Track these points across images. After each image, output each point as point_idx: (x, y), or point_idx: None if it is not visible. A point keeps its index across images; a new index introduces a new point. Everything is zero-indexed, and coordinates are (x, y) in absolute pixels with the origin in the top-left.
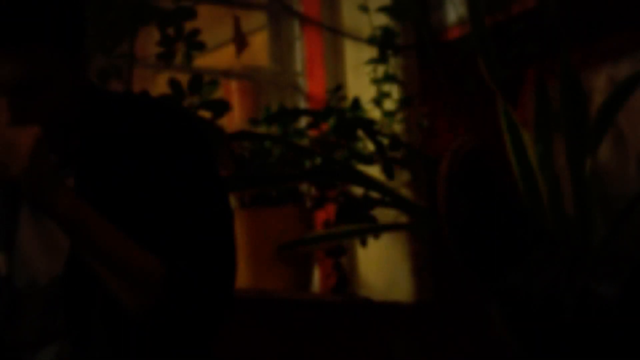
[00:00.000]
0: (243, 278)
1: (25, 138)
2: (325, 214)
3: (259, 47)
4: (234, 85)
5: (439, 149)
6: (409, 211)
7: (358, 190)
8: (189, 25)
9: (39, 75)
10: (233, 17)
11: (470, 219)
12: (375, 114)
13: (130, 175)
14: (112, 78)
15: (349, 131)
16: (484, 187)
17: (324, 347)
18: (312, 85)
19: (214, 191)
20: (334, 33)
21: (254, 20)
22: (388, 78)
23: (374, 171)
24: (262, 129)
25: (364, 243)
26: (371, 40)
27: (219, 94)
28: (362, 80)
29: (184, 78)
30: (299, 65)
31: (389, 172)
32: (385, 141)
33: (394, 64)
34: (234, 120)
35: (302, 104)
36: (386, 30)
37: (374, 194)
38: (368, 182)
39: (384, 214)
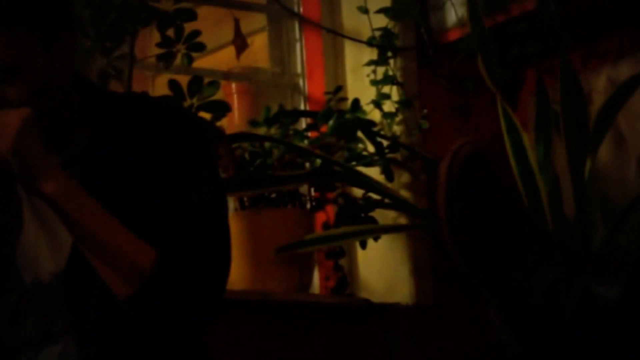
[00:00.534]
0: (243, 279)
1: (12, 118)
2: (324, 216)
3: (259, 49)
4: (233, 86)
5: (439, 151)
6: (408, 213)
7: (358, 192)
8: (188, 27)
9: (11, 62)
10: (233, 18)
11: (470, 220)
12: (375, 115)
13: (131, 174)
14: (112, 79)
15: (348, 133)
16: (484, 188)
17: (323, 348)
18: (312, 86)
19: (210, 186)
20: (334, 35)
21: (254, 22)
22: (388, 79)
23: (373, 173)
24: (261, 131)
25: (363, 245)
26: (371, 42)
27: (218, 95)
28: (361, 81)
29: (184, 79)
30: (298, 67)
31: (388, 173)
32: (385, 143)
33: (393, 66)
34: (233, 122)
35: (302, 106)
36: (386, 32)
37: (374, 196)
38: (368, 183)
39: (384, 216)
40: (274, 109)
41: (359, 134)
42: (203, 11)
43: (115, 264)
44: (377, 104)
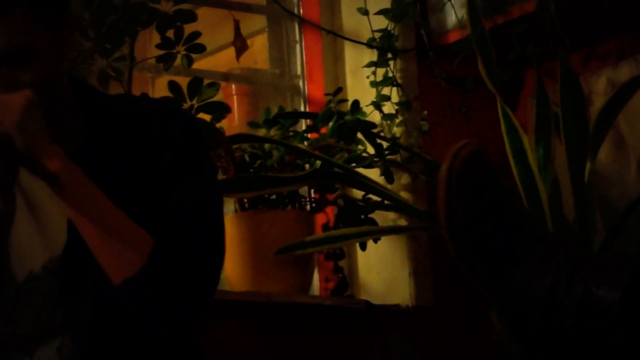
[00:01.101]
0: (242, 281)
1: (17, 98)
2: (324, 217)
3: (259, 50)
4: (233, 88)
5: (439, 152)
6: (408, 214)
7: (358, 194)
8: (188, 28)
9: (20, 45)
10: (233, 20)
11: (470, 222)
12: (374, 117)
13: (125, 170)
14: (112, 81)
15: (348, 134)
16: (484, 190)
17: (323, 350)
18: (312, 88)
19: (204, 179)
20: (334, 36)
21: (254, 23)
22: (388, 81)
23: (373, 174)
24: (261, 132)
25: (363, 246)
26: (371, 43)
27: (218, 96)
28: (361, 83)
29: (183, 81)
30: (298, 68)
31: (388, 175)
32: (384, 144)
33: (393, 67)
34: (233, 123)
35: (302, 107)
36: (386, 33)
37: (374, 197)
38: (367, 185)
39: (384, 217)
40: (274, 110)
41: (359, 135)
42: (203, 12)
43: (113, 247)
44: (377, 105)
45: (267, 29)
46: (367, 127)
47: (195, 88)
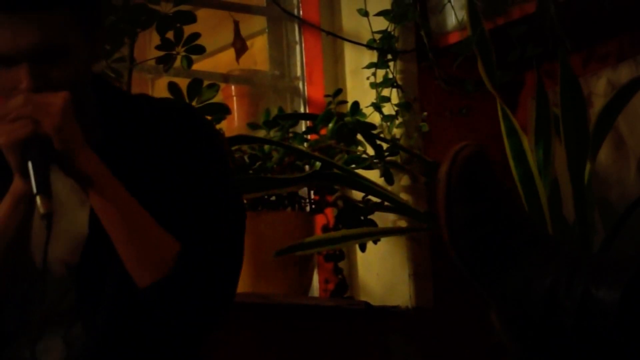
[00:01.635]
0: (242, 282)
1: (56, 98)
2: (324, 218)
3: (259, 51)
4: (233, 89)
5: (439, 154)
6: (408, 215)
7: (357, 195)
8: (188, 30)
9: (57, 44)
10: (232, 21)
11: (470, 223)
12: (374, 118)
13: (144, 171)
14: (112, 82)
15: (348, 135)
16: (484, 191)
17: (323, 351)
18: (312, 89)
19: (224, 180)
20: (334, 37)
21: (254, 25)
22: (387, 82)
23: (373, 175)
24: (261, 133)
25: (363, 248)
26: (371, 45)
27: (218, 98)
28: (361, 84)
29: (183, 82)
30: (298, 70)
31: (388, 176)
32: (384, 145)
33: (393, 68)
34: (233, 124)
35: (302, 108)
36: (386, 35)
37: (374, 199)
38: (367, 186)
39: (383, 219)
40: (274, 111)
41: (359, 136)
42: (202, 14)
43: (140, 250)
44: (377, 106)
45: (267, 30)
46: (367, 129)
47: (195, 89)
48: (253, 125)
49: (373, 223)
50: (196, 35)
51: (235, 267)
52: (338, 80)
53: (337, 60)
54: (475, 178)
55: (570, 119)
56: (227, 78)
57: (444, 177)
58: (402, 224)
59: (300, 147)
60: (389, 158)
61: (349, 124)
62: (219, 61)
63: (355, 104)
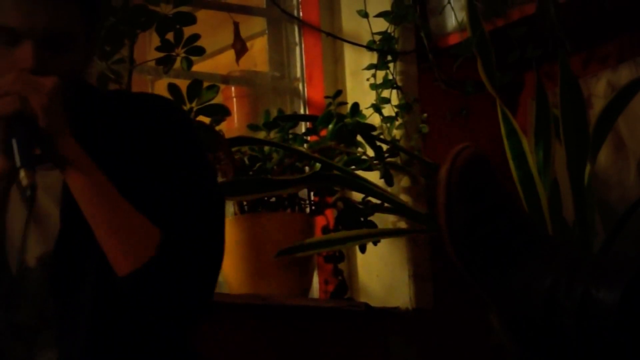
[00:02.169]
0: (242, 283)
1: (46, 80)
2: (324, 220)
3: (259, 53)
4: (233, 90)
5: (439, 155)
6: (408, 217)
7: (357, 196)
8: (188, 31)
9: (64, 32)
10: (232, 22)
11: (470, 224)
12: (374, 119)
13: (125, 160)
14: (112, 83)
15: (348, 137)
16: (484, 192)
17: (323, 353)
18: (312, 90)
19: (203, 169)
20: (334, 38)
21: (254, 26)
22: (387, 83)
23: (373, 177)
24: (261, 135)
25: (363, 249)
26: (371, 46)
27: (218, 99)
28: (361, 85)
29: (183, 83)
30: (298, 71)
31: (388, 177)
32: (384, 147)
33: (393, 70)
34: (233, 126)
35: (302, 110)
36: (386, 36)
37: (373, 200)
38: (367, 187)
39: (383, 220)
40: (274, 113)
41: (359, 138)
42: (202, 15)
43: (121, 237)
44: (377, 108)
45: (266, 32)
46: (367, 130)
47: (194, 90)
48: (253, 127)
49: (373, 224)
50: (196, 37)
51: (216, 255)
52: (338, 81)
53: (337, 62)
54: (475, 179)
55: (570, 120)
56: (227, 79)
57: (444, 179)
58: (402, 225)
59: (300, 148)
60: (389, 159)
61: (348, 125)
62: (218, 62)
63: (355, 105)
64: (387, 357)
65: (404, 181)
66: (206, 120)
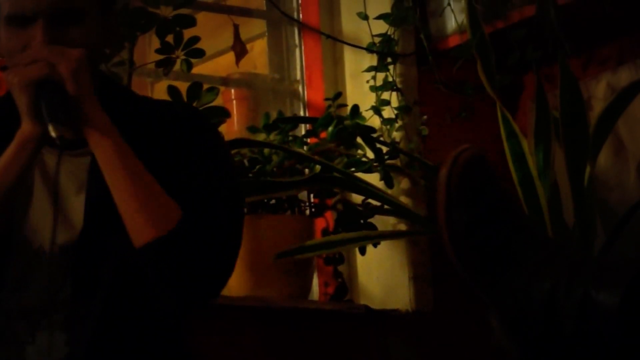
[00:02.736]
0: (242, 285)
1: (73, 50)
2: (324, 222)
3: (258, 55)
4: (233, 92)
5: (439, 157)
6: (408, 219)
7: (357, 198)
8: (188, 33)
9: (73, 7)
10: (232, 24)
11: (470, 226)
12: (374, 121)
13: (149, 155)
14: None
15: (348, 139)
16: (484, 195)
17: (322, 355)
18: (311, 92)
19: (228, 167)
20: (334, 41)
21: (253, 28)
22: (387, 86)
23: (373, 179)
24: (261, 137)
25: (363, 251)
26: (370, 48)
27: (217, 101)
28: (361, 87)
29: (183, 86)
30: (298, 73)
31: (388, 179)
32: (384, 149)
33: (393, 72)
34: (232, 128)
35: (301, 112)
36: (386, 38)
37: (373, 202)
38: (367, 189)
39: (383, 222)
40: (273, 115)
41: (359, 140)
42: (202, 17)
43: (143, 203)
44: (377, 110)
45: (266, 34)
46: (367, 132)
47: (194, 93)
48: (253, 129)
49: (373, 226)
50: (196, 39)
51: (233, 242)
52: (338, 83)
53: (336, 64)
54: (475, 181)
55: (570, 123)
56: (226, 81)
57: (444, 181)
58: (402, 227)
59: (300, 150)
60: (388, 161)
61: (348, 127)
62: (218, 65)
63: (355, 107)
64: (387, 359)
65: (404, 183)
66: None
